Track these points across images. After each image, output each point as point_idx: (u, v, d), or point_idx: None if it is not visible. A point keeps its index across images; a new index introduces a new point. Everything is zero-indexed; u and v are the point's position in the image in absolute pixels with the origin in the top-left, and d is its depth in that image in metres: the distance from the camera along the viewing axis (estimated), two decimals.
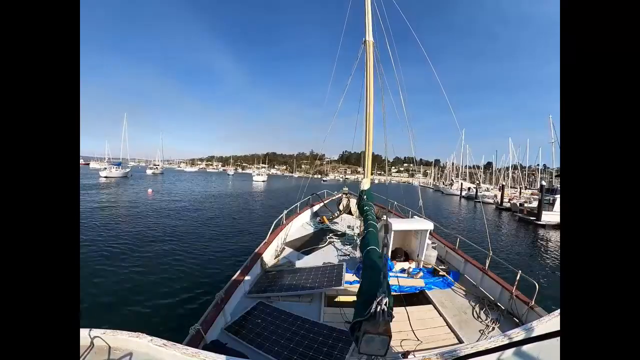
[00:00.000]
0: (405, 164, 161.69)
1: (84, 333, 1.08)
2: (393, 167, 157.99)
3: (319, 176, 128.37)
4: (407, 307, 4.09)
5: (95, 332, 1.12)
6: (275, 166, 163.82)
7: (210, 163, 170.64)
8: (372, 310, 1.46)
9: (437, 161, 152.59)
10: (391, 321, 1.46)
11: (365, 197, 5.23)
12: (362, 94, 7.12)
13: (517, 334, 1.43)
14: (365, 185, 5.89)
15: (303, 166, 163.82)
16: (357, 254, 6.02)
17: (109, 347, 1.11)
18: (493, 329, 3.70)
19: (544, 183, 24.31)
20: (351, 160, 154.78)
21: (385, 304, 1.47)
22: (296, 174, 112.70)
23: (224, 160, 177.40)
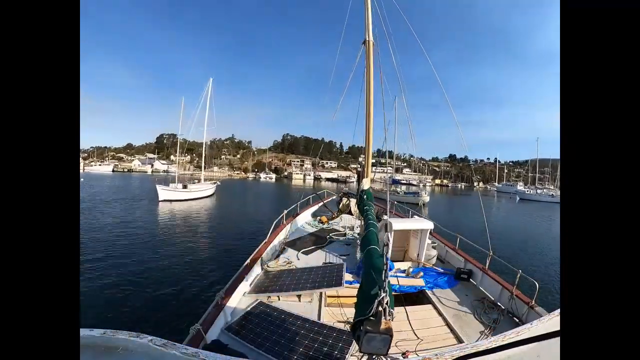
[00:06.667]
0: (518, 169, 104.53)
1: (83, 333, 1.07)
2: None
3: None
4: (407, 307, 4.09)
5: (95, 332, 1.12)
6: (294, 162, 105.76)
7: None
8: (373, 310, 1.47)
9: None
10: (392, 320, 1.46)
11: (365, 197, 5.24)
12: (361, 95, 7.12)
13: (517, 334, 1.43)
14: (365, 185, 5.90)
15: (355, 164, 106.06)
16: (357, 254, 6.03)
17: (109, 347, 1.11)
18: (493, 329, 3.70)
19: None
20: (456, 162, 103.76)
21: (387, 303, 1.48)
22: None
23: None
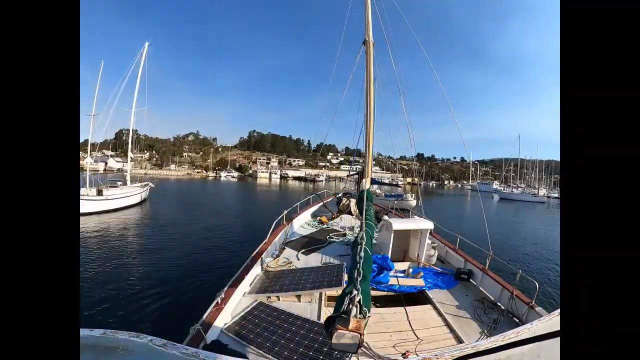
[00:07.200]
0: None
1: (83, 333, 1.07)
2: None
3: None
4: (407, 307, 4.10)
5: (95, 332, 1.12)
6: (260, 160, 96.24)
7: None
8: (344, 307, 1.47)
9: None
10: (365, 319, 1.45)
11: (365, 197, 5.25)
12: (361, 97, 7.13)
13: (517, 334, 1.43)
14: (365, 185, 5.90)
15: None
16: None
17: (109, 347, 1.11)
18: (493, 329, 3.69)
19: None
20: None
21: (359, 302, 1.47)
22: None
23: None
